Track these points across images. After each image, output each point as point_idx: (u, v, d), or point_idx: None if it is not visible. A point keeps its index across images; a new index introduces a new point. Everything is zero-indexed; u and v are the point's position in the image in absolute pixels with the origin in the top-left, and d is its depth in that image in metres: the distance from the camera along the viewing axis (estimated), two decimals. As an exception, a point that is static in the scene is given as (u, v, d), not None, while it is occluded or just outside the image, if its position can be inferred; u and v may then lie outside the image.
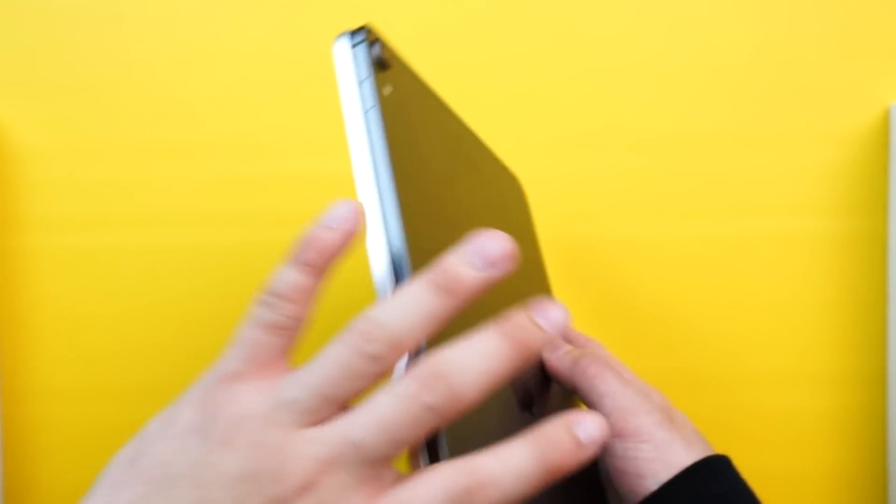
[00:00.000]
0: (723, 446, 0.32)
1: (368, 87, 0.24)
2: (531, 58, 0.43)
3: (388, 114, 0.24)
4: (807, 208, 0.43)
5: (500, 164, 0.37)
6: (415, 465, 0.22)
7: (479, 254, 0.22)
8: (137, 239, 0.43)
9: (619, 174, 0.44)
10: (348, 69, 0.24)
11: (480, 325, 0.22)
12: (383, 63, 0.25)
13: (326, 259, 0.23)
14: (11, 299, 0.44)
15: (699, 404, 0.42)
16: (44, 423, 0.44)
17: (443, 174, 0.28)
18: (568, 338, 0.37)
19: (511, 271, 0.22)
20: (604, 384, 0.31)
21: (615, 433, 0.30)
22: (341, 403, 0.22)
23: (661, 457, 0.29)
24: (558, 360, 0.33)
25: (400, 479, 0.22)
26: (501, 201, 0.35)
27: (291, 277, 0.23)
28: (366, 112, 0.24)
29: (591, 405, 0.31)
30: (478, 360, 0.21)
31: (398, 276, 0.23)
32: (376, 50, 0.25)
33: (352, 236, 0.23)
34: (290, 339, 0.23)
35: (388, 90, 0.25)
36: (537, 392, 0.31)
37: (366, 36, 0.25)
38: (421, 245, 0.24)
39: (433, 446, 0.22)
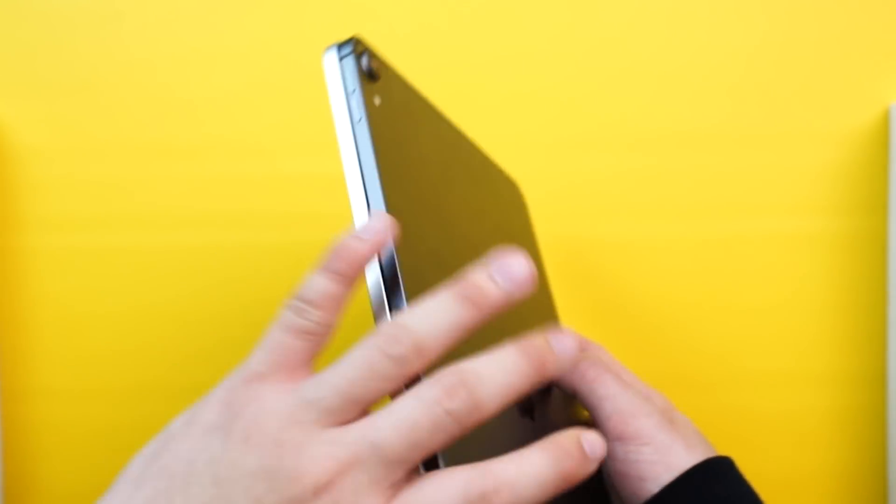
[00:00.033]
0: (722, 447, 0.32)
1: (357, 98, 0.24)
2: (530, 57, 0.43)
3: (377, 124, 0.25)
4: (807, 208, 0.43)
5: (498, 170, 0.37)
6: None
7: (505, 271, 0.23)
8: (137, 239, 0.43)
9: (619, 174, 0.44)
10: (337, 81, 0.25)
11: (492, 339, 0.23)
12: (372, 74, 0.25)
13: (355, 269, 0.23)
14: (11, 299, 0.44)
15: (699, 405, 0.42)
16: (44, 423, 0.44)
17: (438, 182, 0.28)
18: None
19: (531, 293, 0.23)
20: (603, 387, 0.31)
21: (616, 436, 0.30)
22: (363, 405, 0.22)
23: (662, 459, 0.29)
24: None
25: (416, 481, 0.22)
26: (500, 207, 0.35)
27: (320, 284, 0.23)
28: (355, 123, 0.24)
29: (591, 409, 0.31)
30: (500, 374, 0.22)
31: (388, 286, 0.23)
32: (365, 61, 0.25)
33: (382, 248, 0.23)
34: (315, 345, 0.24)
35: (377, 101, 0.25)
36: (538, 398, 0.31)
37: (353, 48, 0.25)
38: (413, 253, 0.24)
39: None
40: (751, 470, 0.31)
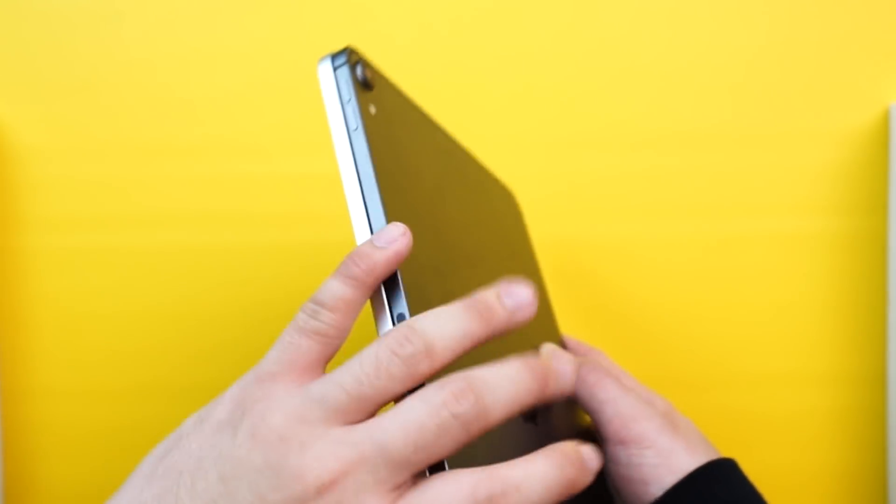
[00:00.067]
0: (722, 447, 0.32)
1: (353, 107, 0.25)
2: (528, 57, 0.43)
3: (373, 133, 0.25)
4: (807, 208, 0.43)
5: (494, 179, 0.38)
6: None
7: (512, 296, 0.24)
8: (137, 239, 0.43)
9: (617, 175, 0.44)
10: (332, 91, 0.25)
11: (494, 351, 0.23)
12: (367, 83, 0.26)
13: (370, 274, 0.24)
14: (11, 299, 0.44)
15: (699, 405, 0.42)
16: (44, 423, 0.44)
17: (433, 190, 0.29)
18: (569, 348, 0.37)
19: (532, 317, 0.24)
20: (603, 392, 0.31)
21: (617, 440, 0.30)
22: (370, 405, 0.22)
23: (664, 462, 0.29)
24: None
25: (422, 483, 0.22)
26: (496, 216, 0.35)
27: (334, 288, 0.24)
28: (351, 132, 0.25)
29: (592, 413, 0.31)
30: (507, 384, 0.22)
31: (389, 295, 0.24)
32: (359, 71, 0.25)
33: (399, 256, 0.24)
34: (328, 347, 0.24)
35: (373, 109, 0.26)
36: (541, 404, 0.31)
37: (348, 58, 0.25)
38: (411, 262, 0.24)
39: None
40: (750, 470, 0.31)
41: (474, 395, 0.21)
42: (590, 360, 0.33)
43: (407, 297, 0.23)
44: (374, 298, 0.24)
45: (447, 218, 0.29)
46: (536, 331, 0.34)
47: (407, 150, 0.27)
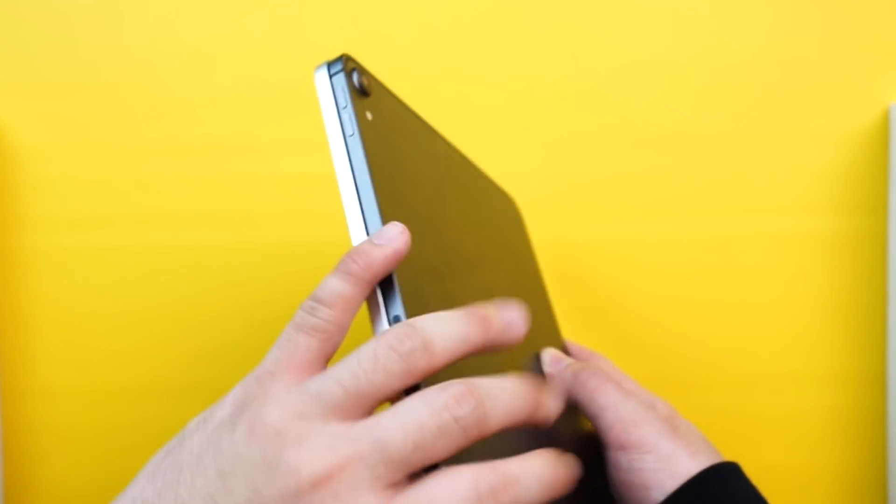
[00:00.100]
0: (722, 448, 0.32)
1: (349, 113, 0.25)
2: (528, 57, 0.43)
3: (370, 138, 0.25)
4: (807, 208, 0.43)
5: (494, 185, 0.38)
6: None
7: (506, 312, 0.24)
8: (137, 239, 0.43)
9: (617, 174, 0.44)
10: (328, 97, 0.25)
11: (495, 363, 0.24)
12: (363, 90, 0.26)
13: (369, 271, 0.24)
14: (11, 299, 0.44)
15: (699, 406, 0.42)
16: (44, 423, 0.44)
17: (431, 195, 0.29)
18: (572, 353, 0.37)
19: (520, 341, 0.25)
20: (603, 396, 0.31)
21: (618, 445, 0.30)
22: (367, 402, 0.22)
23: (665, 467, 0.29)
24: (560, 374, 0.33)
25: (423, 478, 0.22)
26: (495, 222, 0.36)
27: (332, 284, 0.24)
28: (348, 138, 0.25)
29: (593, 418, 0.31)
30: (507, 396, 0.22)
31: (385, 298, 0.24)
32: (355, 78, 0.26)
33: (397, 254, 0.24)
34: (327, 344, 0.24)
35: (369, 116, 0.26)
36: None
37: (344, 65, 0.26)
38: (409, 266, 0.24)
39: None
40: (750, 470, 0.31)
41: (475, 400, 0.22)
42: (590, 365, 0.33)
43: (403, 299, 0.24)
44: (371, 300, 0.24)
45: (446, 222, 0.29)
46: (538, 336, 0.34)
47: (404, 155, 0.28)
